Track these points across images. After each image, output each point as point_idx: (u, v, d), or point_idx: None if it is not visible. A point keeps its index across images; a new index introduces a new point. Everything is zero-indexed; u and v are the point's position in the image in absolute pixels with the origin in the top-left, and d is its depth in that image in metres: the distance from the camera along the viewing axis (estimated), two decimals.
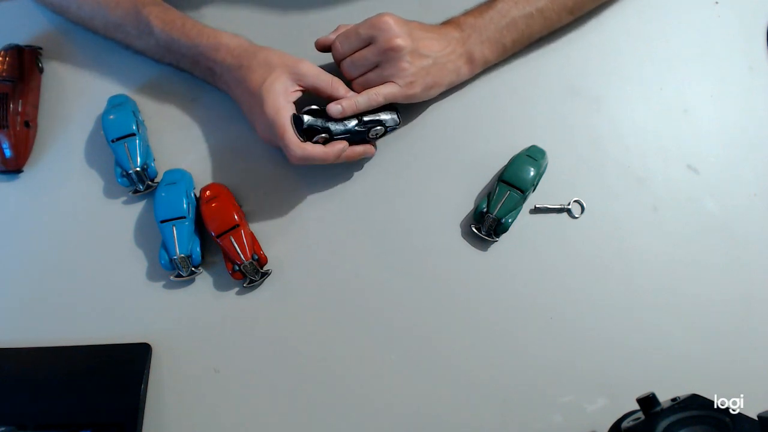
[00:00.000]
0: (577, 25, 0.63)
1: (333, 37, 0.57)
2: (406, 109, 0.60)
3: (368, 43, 0.54)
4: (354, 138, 0.55)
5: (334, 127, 0.53)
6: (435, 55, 0.55)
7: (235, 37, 0.57)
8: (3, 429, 0.50)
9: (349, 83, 0.56)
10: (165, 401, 0.52)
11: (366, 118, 0.55)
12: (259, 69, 0.54)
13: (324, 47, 0.57)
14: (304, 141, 0.52)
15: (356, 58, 0.55)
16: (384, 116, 0.55)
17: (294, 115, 0.52)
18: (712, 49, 0.63)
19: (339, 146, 0.53)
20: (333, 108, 0.53)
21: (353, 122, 0.54)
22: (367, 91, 0.54)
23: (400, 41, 0.53)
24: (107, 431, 0.50)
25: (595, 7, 0.62)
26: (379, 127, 0.55)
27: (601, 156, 0.59)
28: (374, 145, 0.59)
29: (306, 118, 0.52)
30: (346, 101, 0.53)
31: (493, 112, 0.61)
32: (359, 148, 0.56)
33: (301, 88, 0.54)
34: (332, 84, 0.54)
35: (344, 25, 0.57)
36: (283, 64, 0.53)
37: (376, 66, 0.54)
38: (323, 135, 0.53)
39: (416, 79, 0.54)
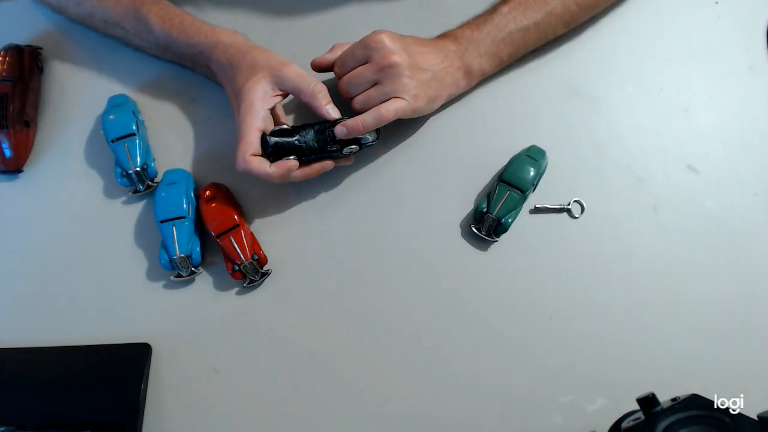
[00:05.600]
0: (578, 27, 0.62)
1: (330, 57, 0.57)
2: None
3: (366, 62, 0.53)
4: (325, 158, 0.53)
5: (302, 148, 0.52)
6: (433, 68, 0.55)
7: (233, 35, 0.57)
8: (3, 429, 0.50)
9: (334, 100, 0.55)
10: (165, 401, 0.52)
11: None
12: (246, 70, 0.53)
13: (321, 68, 0.57)
14: (272, 161, 0.51)
15: (353, 76, 0.54)
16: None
17: (263, 135, 0.51)
18: (712, 49, 0.63)
19: (286, 166, 0.51)
20: (338, 131, 0.52)
21: (325, 140, 0.52)
22: (375, 108, 0.52)
23: (396, 57, 0.52)
24: (107, 431, 0.50)
25: (589, 18, 0.62)
26: (354, 146, 0.53)
27: (601, 156, 0.59)
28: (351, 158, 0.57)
29: (272, 139, 0.51)
30: (351, 122, 0.52)
31: (493, 111, 0.61)
32: (316, 166, 0.54)
33: (281, 93, 0.54)
34: (313, 88, 0.53)
35: (339, 44, 0.57)
36: (268, 66, 0.53)
37: (376, 84, 0.53)
38: (292, 157, 0.51)
39: (419, 92, 0.53)
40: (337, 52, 0.57)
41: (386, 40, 0.53)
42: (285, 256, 0.56)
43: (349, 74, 0.54)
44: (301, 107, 0.62)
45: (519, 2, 0.57)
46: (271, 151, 0.51)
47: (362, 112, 0.53)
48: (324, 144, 0.53)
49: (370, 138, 0.54)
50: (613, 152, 0.59)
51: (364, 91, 0.54)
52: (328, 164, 0.54)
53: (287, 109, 0.62)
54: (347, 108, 0.55)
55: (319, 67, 0.57)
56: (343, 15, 0.65)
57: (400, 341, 0.53)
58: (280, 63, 0.53)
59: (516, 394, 0.52)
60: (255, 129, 0.51)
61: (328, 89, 0.54)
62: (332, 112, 0.54)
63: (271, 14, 0.65)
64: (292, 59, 0.54)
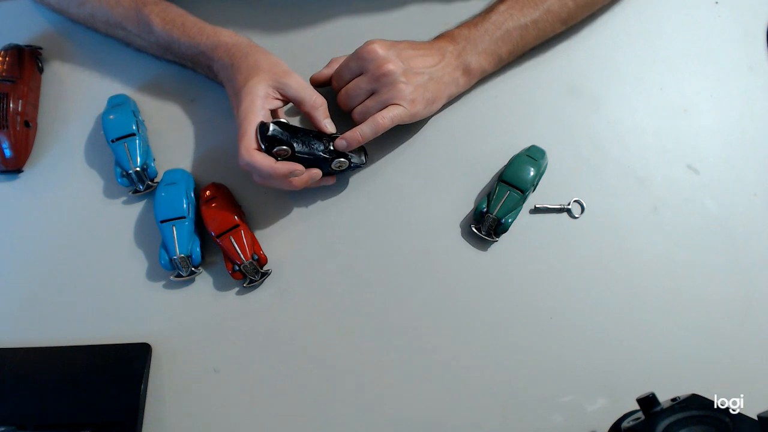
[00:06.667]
0: (577, 25, 0.63)
1: (327, 71, 0.58)
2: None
3: (361, 73, 0.54)
4: (315, 164, 0.53)
5: (298, 145, 0.52)
6: (429, 70, 0.55)
7: (234, 35, 0.57)
8: (3, 429, 0.50)
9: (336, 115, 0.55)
10: (165, 401, 0.52)
11: (333, 147, 0.53)
12: (246, 70, 0.53)
13: (319, 83, 0.58)
14: (265, 149, 0.51)
15: (350, 88, 0.55)
16: (350, 152, 0.55)
17: (261, 122, 0.51)
18: (712, 49, 0.63)
19: (289, 166, 0.51)
20: (338, 144, 0.52)
21: (319, 147, 0.53)
22: (371, 117, 0.53)
23: (390, 66, 0.52)
24: (107, 431, 0.50)
25: (587, 16, 0.62)
26: (342, 159, 0.54)
27: (601, 156, 0.59)
28: (334, 177, 0.57)
29: (272, 126, 0.51)
30: (350, 134, 0.52)
31: (493, 112, 0.61)
32: (305, 176, 0.52)
33: (281, 98, 0.54)
34: (314, 101, 0.54)
35: (336, 58, 0.58)
36: (270, 70, 0.53)
37: (373, 93, 0.54)
38: (284, 147, 0.51)
39: (416, 97, 0.53)
40: (334, 66, 0.57)
41: (379, 50, 0.53)
42: (285, 256, 0.56)
43: (346, 87, 0.55)
44: (298, 116, 0.62)
45: (516, 0, 0.57)
46: (269, 137, 0.51)
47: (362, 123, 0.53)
48: (319, 150, 0.53)
49: (357, 161, 0.55)
50: (613, 152, 0.59)
51: (362, 102, 0.54)
52: (316, 173, 0.54)
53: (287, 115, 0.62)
54: (346, 123, 0.55)
55: (317, 82, 0.58)
56: (344, 22, 0.65)
57: (400, 341, 0.53)
58: (284, 71, 0.54)
59: (516, 393, 0.52)
60: (257, 125, 0.51)
61: (327, 101, 0.55)
62: (329, 127, 0.55)
63: (272, 20, 0.65)
64: (293, 64, 0.55)
